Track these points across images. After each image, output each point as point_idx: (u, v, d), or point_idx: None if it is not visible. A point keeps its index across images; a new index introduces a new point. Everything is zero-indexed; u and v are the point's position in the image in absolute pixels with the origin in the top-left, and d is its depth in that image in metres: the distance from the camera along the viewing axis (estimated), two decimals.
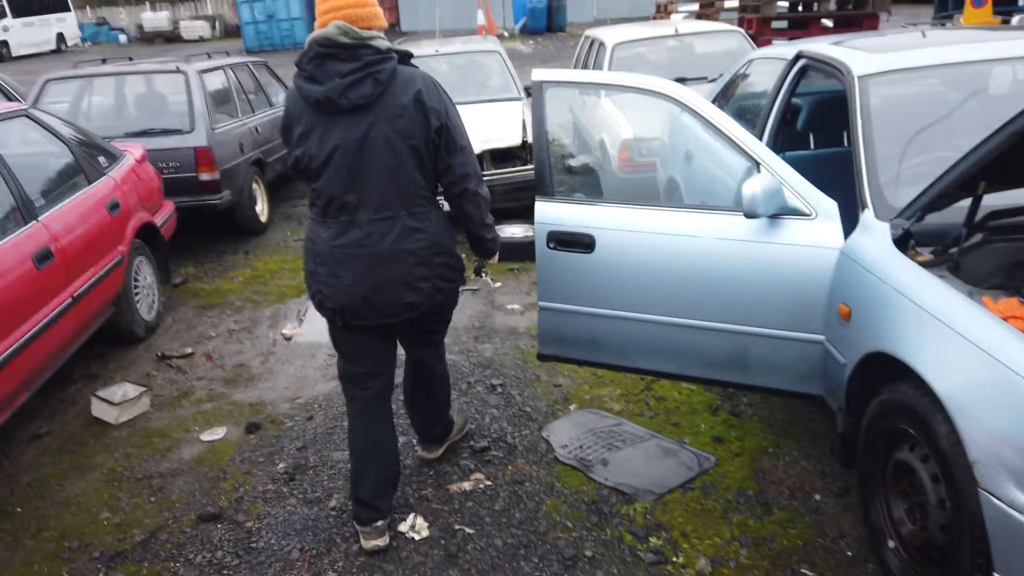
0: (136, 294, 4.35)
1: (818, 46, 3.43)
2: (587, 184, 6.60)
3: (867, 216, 2.52)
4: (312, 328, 4.54)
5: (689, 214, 2.88)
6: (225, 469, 3.10)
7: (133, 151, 4.87)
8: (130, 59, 7.02)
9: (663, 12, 13.36)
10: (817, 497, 2.69)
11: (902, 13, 15.88)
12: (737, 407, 3.30)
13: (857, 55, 3.06)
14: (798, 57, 3.48)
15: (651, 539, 2.54)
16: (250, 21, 23.56)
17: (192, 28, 27.13)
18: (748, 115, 3.94)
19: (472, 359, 3.93)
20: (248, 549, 2.61)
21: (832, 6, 9.36)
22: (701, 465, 2.92)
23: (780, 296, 2.64)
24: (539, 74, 3.05)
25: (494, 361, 3.90)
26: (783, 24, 9.63)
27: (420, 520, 2.69)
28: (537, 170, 2.99)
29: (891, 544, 2.24)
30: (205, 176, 5.62)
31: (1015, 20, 7.58)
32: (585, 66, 7.45)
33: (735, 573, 2.37)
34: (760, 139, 3.51)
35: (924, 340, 2.05)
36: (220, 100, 6.30)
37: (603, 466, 2.97)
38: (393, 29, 22.85)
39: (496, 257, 2.78)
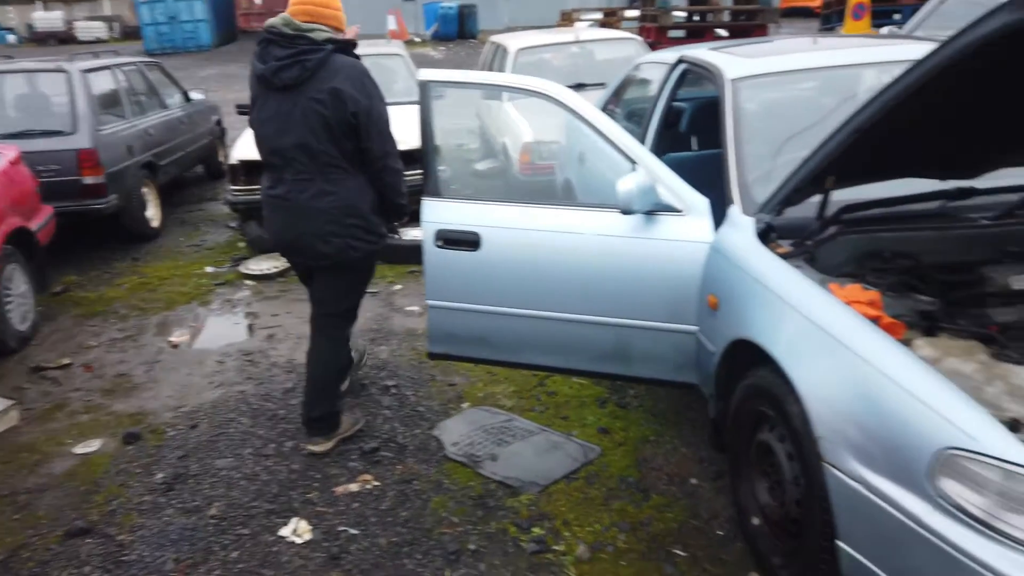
0: (7, 303, 4.11)
1: (697, 51, 3.58)
2: (489, 186, 6.67)
3: (734, 211, 2.64)
4: (207, 335, 4.41)
5: (571, 211, 2.95)
6: (99, 482, 2.97)
7: (6, 152, 4.60)
8: (9, 57, 6.64)
9: (567, 20, 13.62)
10: (693, 481, 2.79)
11: (794, 26, 16.73)
12: (624, 399, 3.39)
13: (730, 59, 3.20)
14: (679, 62, 3.62)
15: (534, 529, 2.57)
16: (150, 23, 22.69)
17: (88, 29, 25.92)
18: (638, 117, 4.06)
19: (368, 361, 3.89)
20: (118, 563, 2.50)
21: (726, 17, 9.77)
22: (586, 456, 2.98)
23: (657, 289, 2.73)
24: (425, 74, 3.06)
25: (390, 363, 3.88)
26: (681, 33, 9.99)
27: (303, 524, 2.64)
28: (424, 170, 3.01)
29: (755, 521, 2.35)
30: (89, 179, 5.37)
31: (884, 31, 8.10)
32: (490, 71, 7.53)
33: (612, 557, 2.43)
34: (645, 140, 3.64)
35: (778, 326, 2.16)
36: (107, 101, 6.04)
37: (492, 461, 2.99)
38: None
39: (406, 219, 3.14)
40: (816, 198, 2.41)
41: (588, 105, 2.93)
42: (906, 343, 1.90)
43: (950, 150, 2.23)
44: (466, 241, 2.91)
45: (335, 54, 2.79)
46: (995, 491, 1.53)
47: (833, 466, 1.87)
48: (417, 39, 21.32)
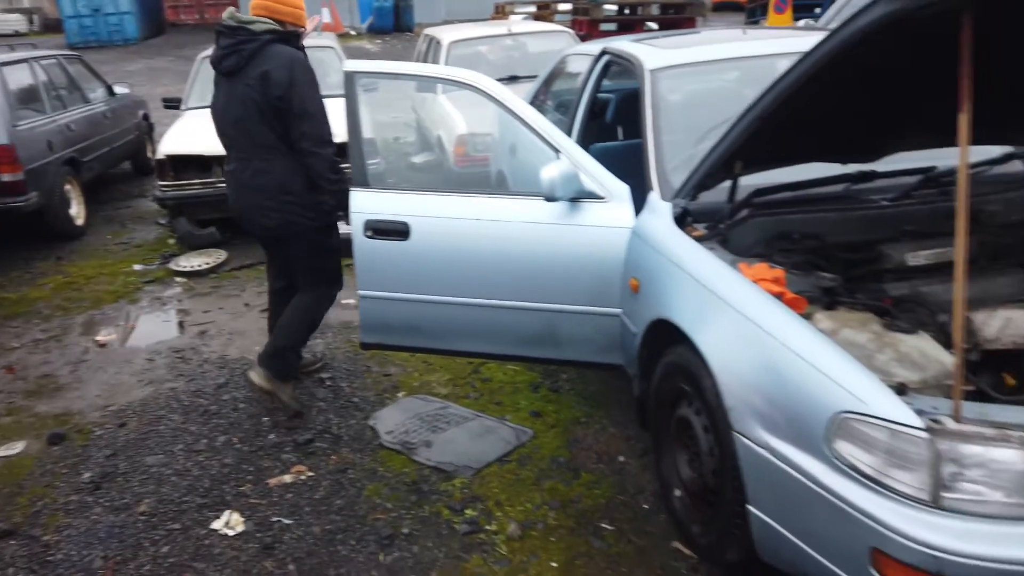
0: None
1: (619, 43, 3.67)
2: (420, 177, 6.67)
3: (653, 197, 2.74)
4: (136, 333, 4.33)
5: (498, 200, 3.01)
6: (22, 484, 2.90)
7: None
8: None
9: (501, 13, 13.70)
10: (621, 459, 2.89)
11: (724, 20, 17.14)
12: (556, 384, 3.47)
13: (649, 51, 3.30)
14: (602, 53, 3.71)
15: (467, 511, 2.63)
16: (73, 15, 21.79)
17: (6, 22, 24.77)
18: (566, 108, 4.14)
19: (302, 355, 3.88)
20: (43, 563, 2.46)
21: (655, 11, 9.98)
22: (519, 439, 3.05)
23: (582, 274, 2.82)
24: (350, 65, 3.08)
25: (325, 355, 3.87)
26: (612, 27, 10.16)
27: (235, 516, 2.64)
28: (352, 160, 3.02)
29: (677, 493, 2.45)
30: (6, 177, 5.20)
31: (800, 23, 8.41)
32: (424, 64, 7.52)
33: (542, 534, 2.51)
34: (571, 130, 3.72)
35: (692, 305, 2.26)
36: (25, 96, 5.83)
37: (426, 447, 3.03)
38: None
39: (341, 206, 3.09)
40: (728, 183, 2.53)
41: (513, 96, 2.99)
42: (807, 317, 2.02)
43: (849, 135, 2.36)
44: (395, 231, 2.94)
45: (274, 43, 3.02)
46: (883, 450, 1.65)
47: (742, 435, 1.98)
48: (352, 32, 21.06)
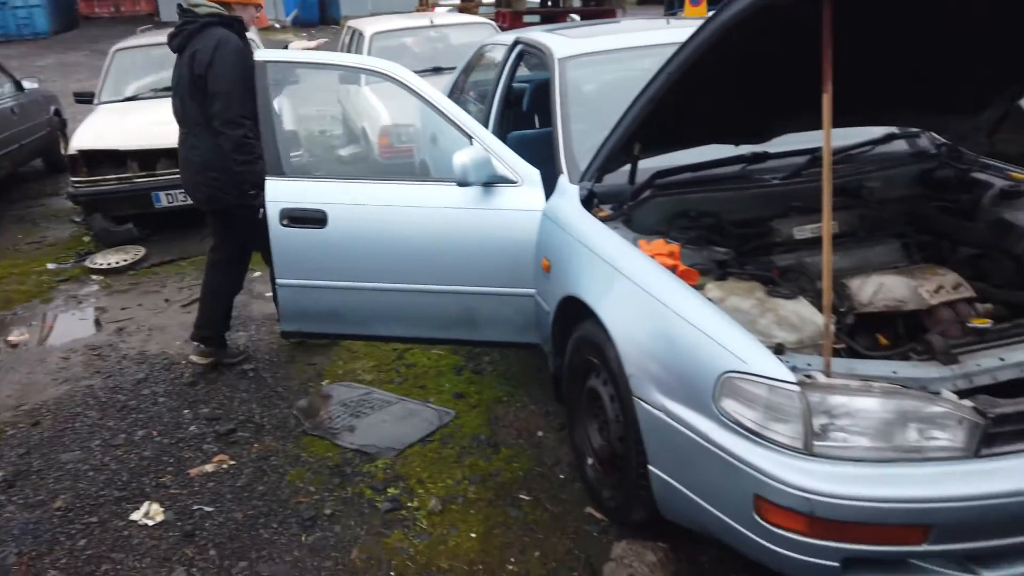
0: None
1: (531, 33, 3.77)
2: (340, 167, 6.64)
3: (562, 181, 2.84)
4: (50, 332, 4.22)
5: (413, 186, 3.06)
6: None
7: None
8: None
9: (426, 5, 13.68)
10: (540, 434, 2.99)
11: (647, 11, 17.50)
12: (479, 366, 3.56)
13: (559, 40, 3.40)
14: (516, 43, 3.80)
15: (389, 490, 2.69)
16: None
17: None
18: (485, 98, 4.21)
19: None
20: None
21: (576, 2, 10.15)
22: (441, 420, 3.13)
23: (497, 257, 2.90)
24: (262, 55, 3.08)
25: (248, 348, 3.86)
26: (535, 18, 10.29)
27: (155, 507, 2.64)
28: (266, 150, 3.03)
29: (590, 461, 2.57)
30: None
31: (711, 13, 8.67)
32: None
33: (462, 507, 2.59)
34: (488, 118, 3.80)
35: (596, 281, 2.38)
36: None
37: (349, 432, 3.08)
38: (151, 18, 21.23)
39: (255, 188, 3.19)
40: (640, 164, 2.64)
41: (426, 84, 3.05)
42: (700, 287, 2.15)
43: (739, 118, 2.50)
44: (312, 219, 2.96)
45: (212, 26, 3.25)
46: (762, 405, 1.79)
47: (642, 400, 2.10)
48: (277, 25, 20.64)
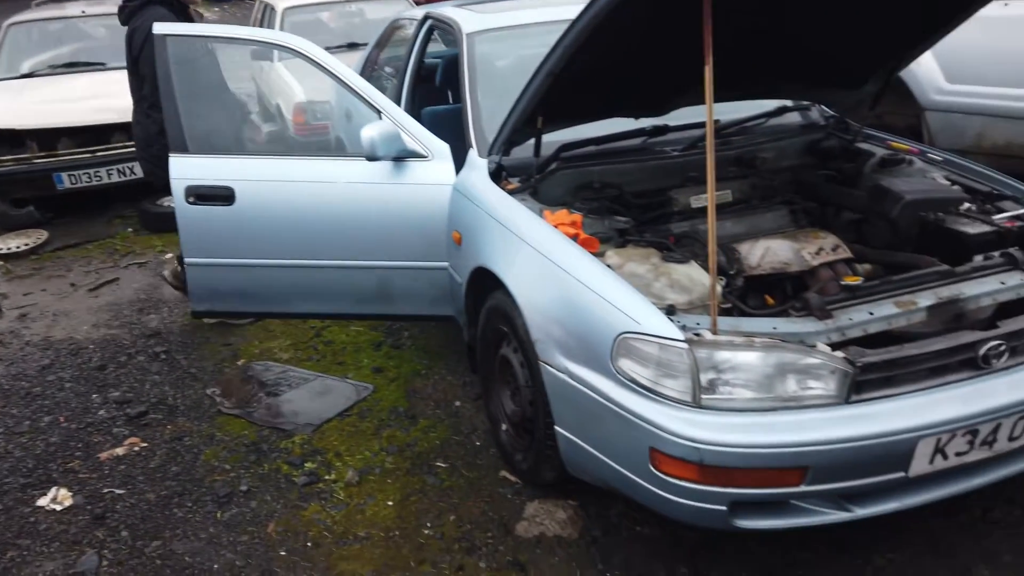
0: None
1: (442, 8, 3.78)
2: (262, 147, 6.51)
3: (472, 155, 2.88)
4: None
5: (322, 161, 3.06)
6: None
7: None
8: None
9: None
10: (457, 404, 3.06)
11: None
12: (399, 341, 3.59)
13: (467, 15, 3.42)
14: (426, 18, 3.80)
15: (306, 464, 2.71)
16: None
17: None
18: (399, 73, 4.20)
19: (135, 331, 3.79)
20: None
21: None
22: (359, 394, 3.16)
23: (409, 230, 2.93)
24: (160, 28, 3.00)
25: (161, 330, 3.79)
26: None
27: (63, 491, 2.60)
28: (168, 126, 2.97)
29: (504, 427, 2.65)
30: None
31: None
32: None
33: (380, 477, 2.64)
34: (401, 94, 3.80)
35: (503, 251, 2.44)
36: None
37: (266, 410, 3.08)
38: None
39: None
40: (546, 138, 2.70)
41: (334, 59, 3.03)
42: (600, 255, 2.24)
43: (636, 91, 2.59)
44: (220, 196, 2.93)
45: (153, 5, 3.43)
46: (655, 362, 1.89)
47: (547, 363, 2.19)
48: None
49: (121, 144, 5.21)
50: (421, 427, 2.92)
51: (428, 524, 2.41)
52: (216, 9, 18.62)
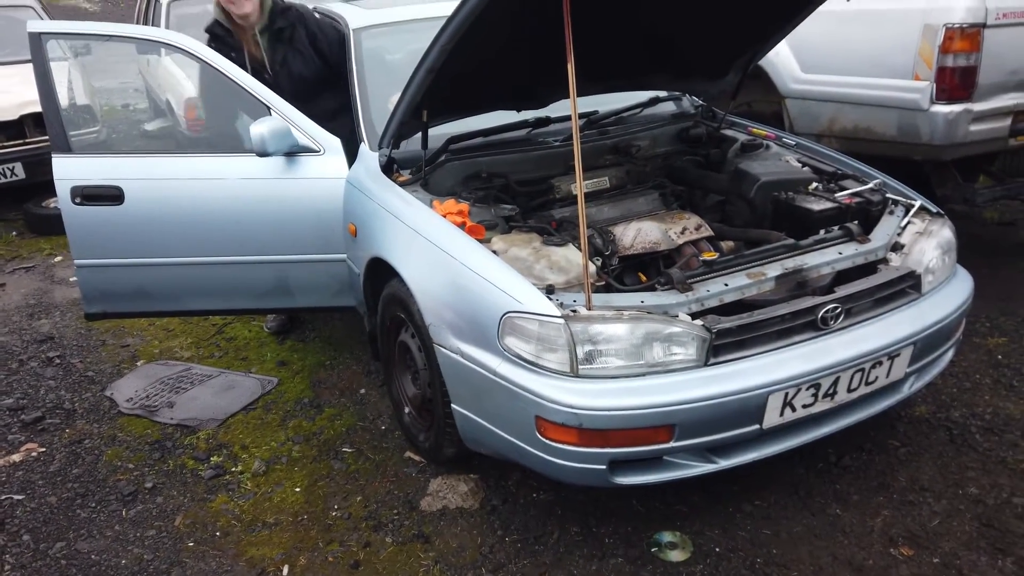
0: None
1: (329, 3, 3.82)
2: (154, 145, 6.37)
3: (363, 148, 2.97)
4: None
5: (214, 158, 3.07)
6: None
7: None
8: None
9: None
10: (362, 391, 3.16)
11: None
12: (303, 334, 3.65)
13: (354, 10, 3.49)
14: (314, 12, 3.82)
15: (212, 458, 2.76)
16: None
17: None
18: None
19: (25, 337, 3.69)
20: None
21: None
22: (264, 388, 3.21)
23: (306, 224, 2.99)
24: (35, 26, 2.94)
25: (53, 335, 3.71)
26: None
27: None
28: (49, 126, 2.92)
29: (406, 410, 2.77)
30: None
31: None
32: (145, 25, 7.05)
33: (287, 466, 2.72)
34: None
35: (396, 241, 2.55)
36: None
37: (169, 408, 3.09)
38: None
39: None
40: (435, 131, 2.81)
41: (221, 57, 3.04)
42: (485, 241, 2.39)
43: (516, 85, 2.74)
44: (107, 196, 2.91)
45: None
46: (536, 338, 2.06)
47: (441, 345, 2.32)
48: None
49: None
50: (327, 416, 3.00)
51: (335, 506, 2.51)
52: (98, 1, 17.70)
